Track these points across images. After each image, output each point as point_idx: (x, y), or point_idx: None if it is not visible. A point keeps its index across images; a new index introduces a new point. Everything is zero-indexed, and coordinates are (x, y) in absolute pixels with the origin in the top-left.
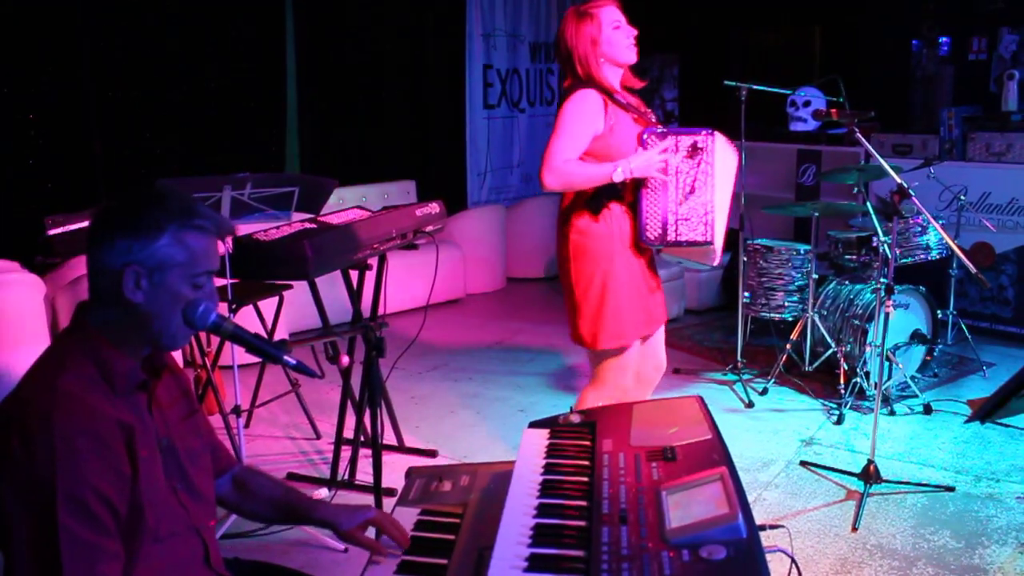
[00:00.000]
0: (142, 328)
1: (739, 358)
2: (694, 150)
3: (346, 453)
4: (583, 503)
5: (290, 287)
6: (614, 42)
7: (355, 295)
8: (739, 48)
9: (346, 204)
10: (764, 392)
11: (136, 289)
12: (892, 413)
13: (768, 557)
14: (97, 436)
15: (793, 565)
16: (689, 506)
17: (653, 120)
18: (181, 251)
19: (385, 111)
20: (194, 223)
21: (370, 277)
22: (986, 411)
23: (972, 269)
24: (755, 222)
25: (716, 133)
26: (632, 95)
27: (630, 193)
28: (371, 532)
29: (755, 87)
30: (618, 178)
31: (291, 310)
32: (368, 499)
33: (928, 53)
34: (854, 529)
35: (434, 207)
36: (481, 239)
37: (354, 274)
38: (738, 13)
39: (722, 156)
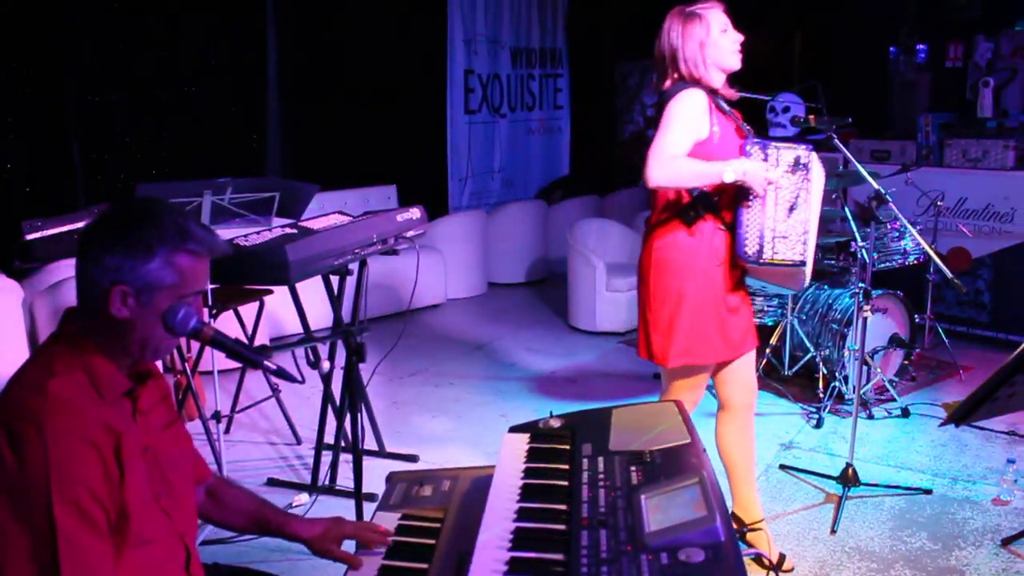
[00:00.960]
0: (126, 340)
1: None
2: (796, 165)
3: (327, 458)
4: (563, 507)
5: (271, 292)
6: (721, 46)
7: (336, 300)
8: None
9: (327, 209)
10: None
11: (123, 307)
12: (870, 417)
13: (747, 560)
14: (88, 439)
15: (771, 568)
16: (668, 510)
17: (751, 132)
18: (171, 273)
19: (366, 116)
20: (187, 247)
21: (351, 282)
22: (960, 414)
23: (948, 274)
24: None
25: (814, 149)
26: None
27: (727, 207)
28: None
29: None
30: (728, 178)
31: (272, 315)
32: (349, 504)
33: (906, 60)
34: (833, 532)
35: (415, 212)
36: (462, 244)
37: (335, 279)
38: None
39: (818, 174)
